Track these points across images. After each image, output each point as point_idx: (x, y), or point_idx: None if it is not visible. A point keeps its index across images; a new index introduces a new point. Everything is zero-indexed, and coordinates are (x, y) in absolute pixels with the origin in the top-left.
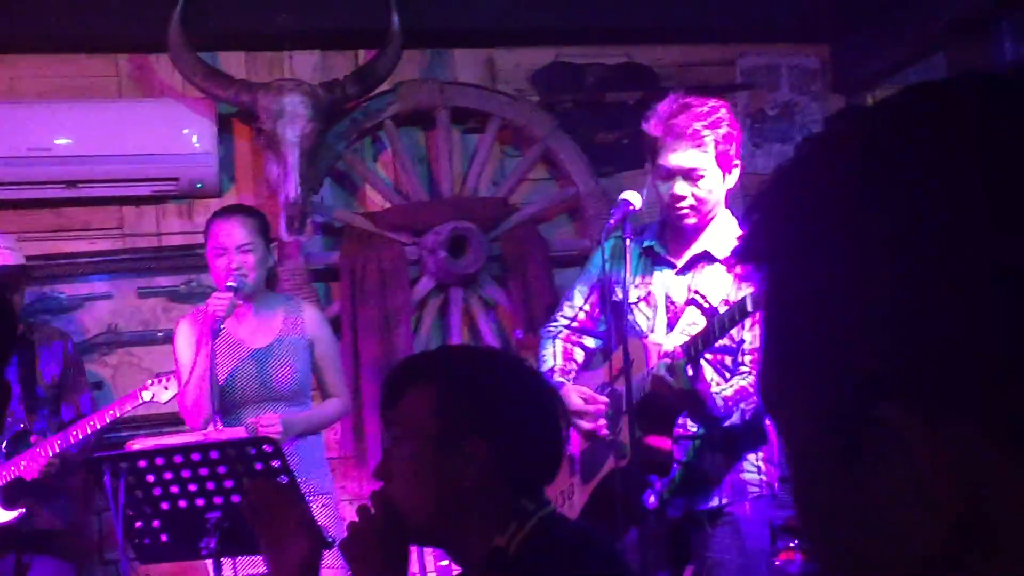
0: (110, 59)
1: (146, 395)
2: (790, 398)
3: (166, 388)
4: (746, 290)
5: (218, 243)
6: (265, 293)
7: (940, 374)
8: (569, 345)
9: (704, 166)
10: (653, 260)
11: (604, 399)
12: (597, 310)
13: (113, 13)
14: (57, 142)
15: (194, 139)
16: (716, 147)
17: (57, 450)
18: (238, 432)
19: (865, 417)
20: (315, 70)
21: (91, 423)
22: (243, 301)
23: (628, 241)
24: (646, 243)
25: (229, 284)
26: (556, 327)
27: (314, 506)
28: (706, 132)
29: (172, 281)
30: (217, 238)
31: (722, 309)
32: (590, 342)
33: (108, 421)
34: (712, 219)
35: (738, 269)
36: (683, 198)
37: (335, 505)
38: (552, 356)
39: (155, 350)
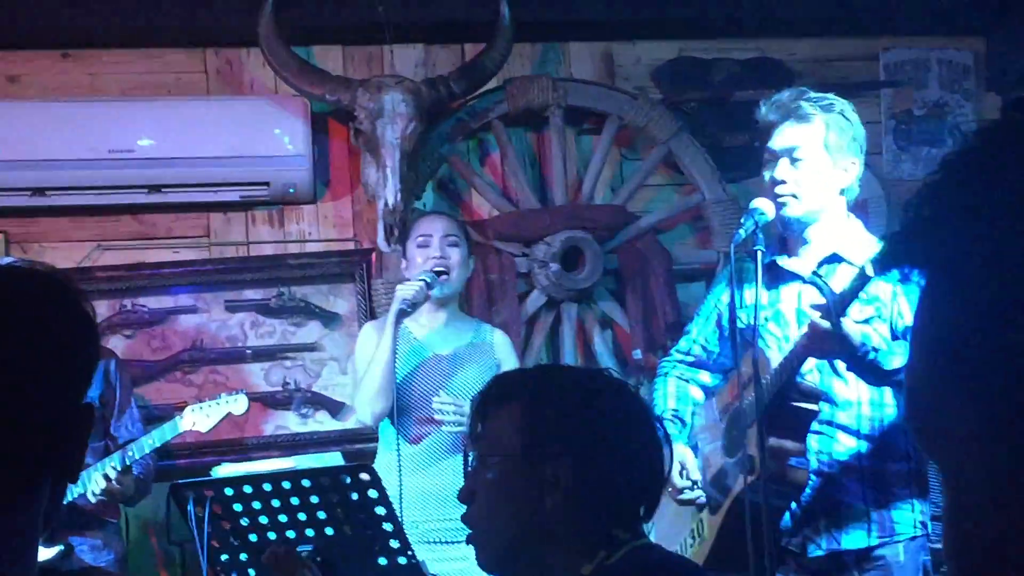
0: (197, 54)
1: (182, 424)
2: (952, 416)
3: (207, 416)
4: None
5: (423, 232)
6: (458, 311)
7: None
8: (683, 384)
9: (809, 145)
10: (777, 276)
11: (698, 478)
12: (715, 341)
13: (200, 5)
14: (140, 143)
15: (286, 140)
16: (827, 131)
17: (115, 473)
18: (332, 458)
19: None
20: (417, 66)
21: (129, 454)
22: (437, 307)
23: (759, 254)
24: (767, 259)
25: (420, 276)
26: (670, 363)
27: None
28: (815, 112)
29: (262, 294)
30: (422, 228)
31: None
32: (707, 378)
33: (148, 451)
34: (833, 222)
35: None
36: (783, 183)
37: None
38: (662, 398)
39: (243, 368)
